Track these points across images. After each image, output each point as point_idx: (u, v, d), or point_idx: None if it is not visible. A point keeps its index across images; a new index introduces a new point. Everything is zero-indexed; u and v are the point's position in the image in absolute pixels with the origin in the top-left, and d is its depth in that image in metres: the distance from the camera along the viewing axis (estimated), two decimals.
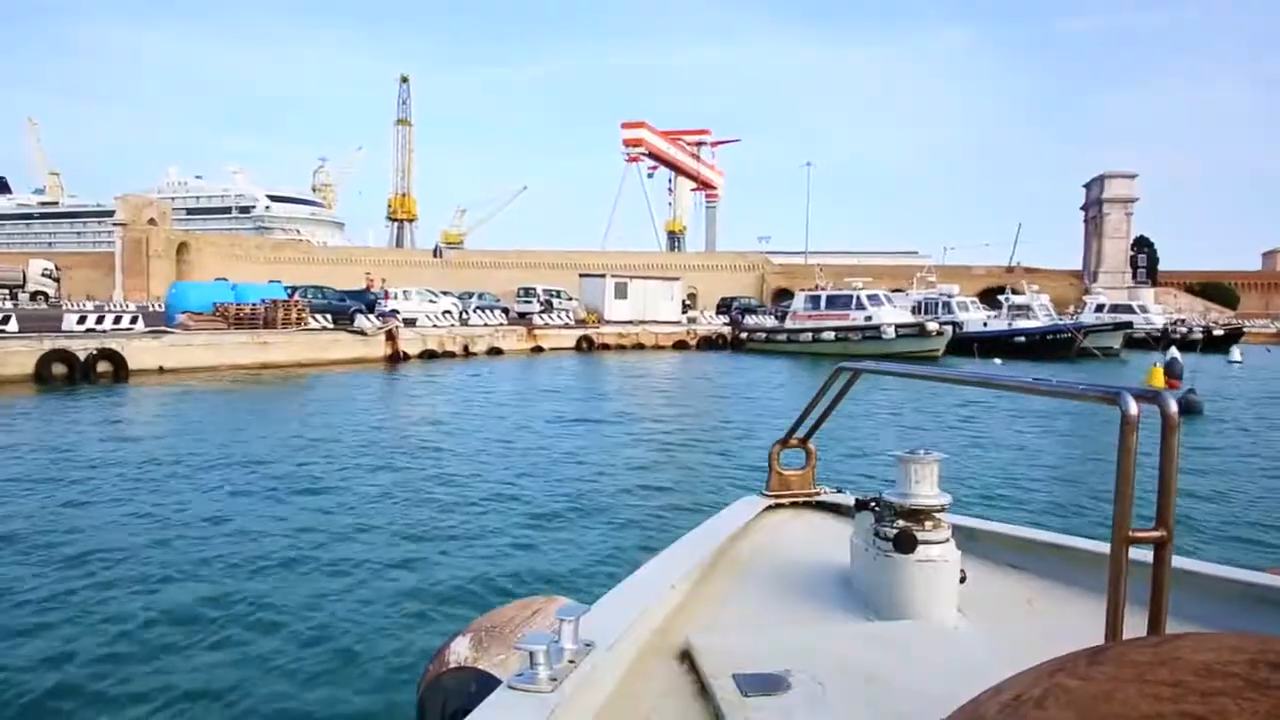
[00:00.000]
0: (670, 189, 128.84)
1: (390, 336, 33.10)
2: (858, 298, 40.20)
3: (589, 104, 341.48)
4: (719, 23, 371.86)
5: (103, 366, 24.73)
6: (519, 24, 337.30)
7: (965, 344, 38.49)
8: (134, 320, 28.06)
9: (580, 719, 1.46)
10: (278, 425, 16.76)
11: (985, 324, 43.17)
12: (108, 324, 27.25)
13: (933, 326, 37.93)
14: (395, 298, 40.32)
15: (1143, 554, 1.48)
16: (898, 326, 38.44)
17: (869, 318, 39.41)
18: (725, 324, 48.30)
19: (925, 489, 2.04)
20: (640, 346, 43.28)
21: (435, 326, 37.08)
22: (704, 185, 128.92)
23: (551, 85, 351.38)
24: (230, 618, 6.30)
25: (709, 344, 45.23)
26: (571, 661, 1.52)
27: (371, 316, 34.26)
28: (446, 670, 2.71)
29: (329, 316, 33.78)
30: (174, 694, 5.14)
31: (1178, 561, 1.68)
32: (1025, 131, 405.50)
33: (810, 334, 39.91)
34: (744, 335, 44.47)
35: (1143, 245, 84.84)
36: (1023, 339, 41.01)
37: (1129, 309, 52.33)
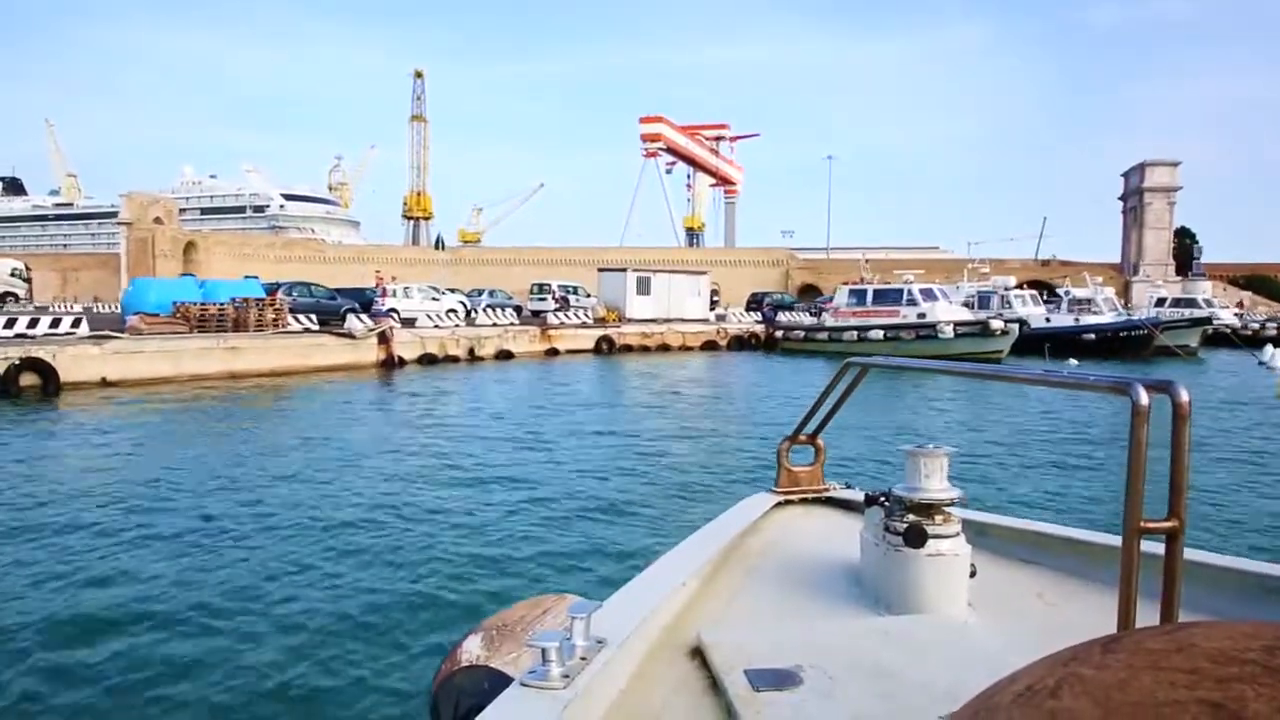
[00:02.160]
0: (689, 185, 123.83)
1: (383, 339, 28.22)
2: (909, 292, 34.96)
3: (607, 101, 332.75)
4: (738, 18, 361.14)
5: (28, 379, 20.04)
6: (535, 20, 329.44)
7: (1034, 343, 33.20)
8: (76, 323, 23.26)
9: (592, 715, 1.42)
10: (228, 447, 13.99)
11: (1048, 320, 37.84)
12: (42, 328, 22.45)
13: (997, 324, 32.63)
14: (394, 295, 35.37)
15: (1155, 547, 1.43)
16: (956, 325, 33.21)
17: (922, 315, 34.19)
18: (757, 322, 43.04)
19: (935, 483, 1.94)
20: (666, 348, 38.17)
21: (437, 328, 32.18)
22: (723, 181, 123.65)
23: (569, 82, 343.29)
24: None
25: (741, 344, 40.05)
26: (583, 659, 1.49)
27: (364, 317, 29.39)
28: (459, 669, 2.58)
29: (314, 317, 28.84)
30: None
31: (1190, 554, 1.62)
32: (1045, 125, 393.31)
33: (855, 332, 34.74)
34: (779, 334, 39.32)
35: (1184, 236, 79.17)
36: (1092, 336, 35.70)
37: (1193, 302, 46.85)
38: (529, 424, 16.64)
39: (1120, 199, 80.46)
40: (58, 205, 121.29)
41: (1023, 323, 33.78)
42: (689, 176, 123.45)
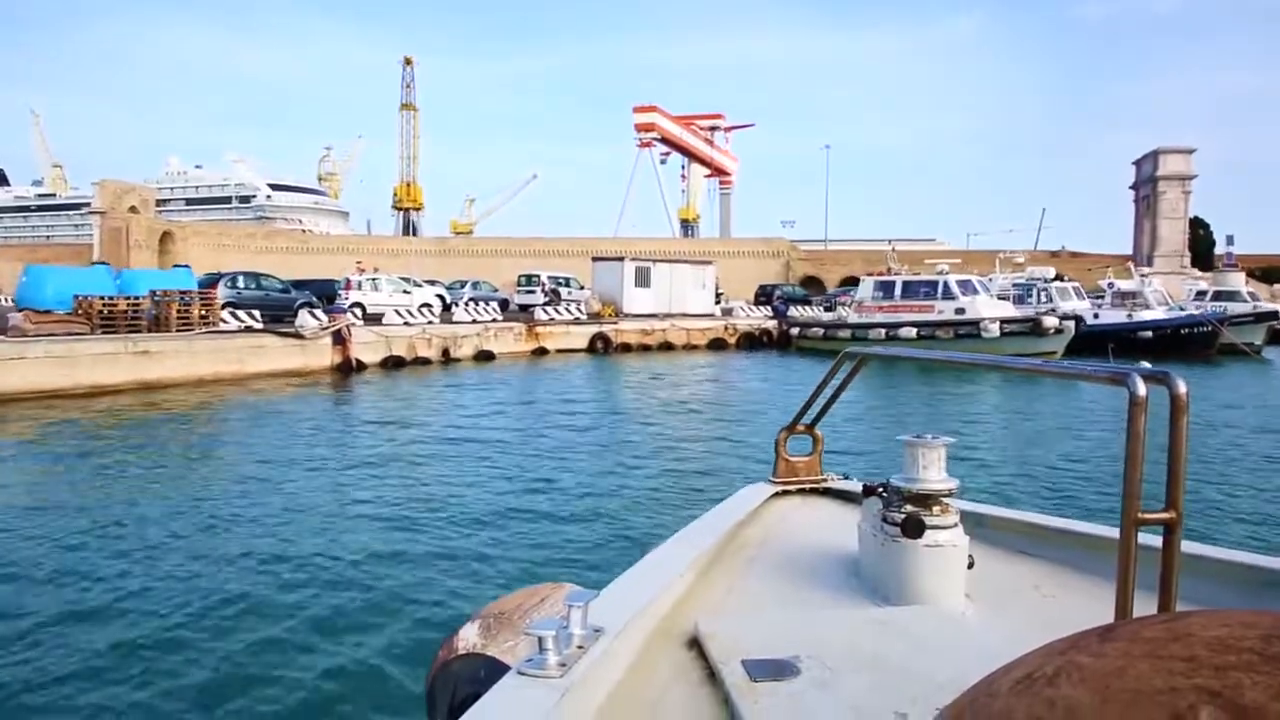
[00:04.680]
0: (684, 176, 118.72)
1: (339, 339, 23.15)
2: (945, 284, 29.97)
3: (601, 93, 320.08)
4: (736, 9, 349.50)
5: None
6: (530, 13, 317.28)
7: (1092, 342, 28.21)
8: None
9: (589, 704, 1.39)
10: (115, 477, 11.27)
11: (1095, 316, 32.88)
12: None
13: (1051, 321, 27.65)
14: (359, 288, 30.19)
15: (1152, 539, 1.41)
16: (1003, 322, 28.25)
17: (961, 310, 29.23)
18: (768, 317, 37.88)
19: (933, 473, 1.88)
20: (669, 346, 33.08)
21: (407, 325, 27.07)
22: (718, 171, 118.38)
23: (563, 75, 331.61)
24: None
25: (752, 342, 35.01)
26: (580, 647, 1.46)
27: (318, 313, 24.29)
28: (455, 657, 2.46)
29: (256, 314, 23.68)
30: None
31: (1188, 546, 1.60)
32: (1043, 116, 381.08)
33: (883, 330, 29.72)
34: (795, 331, 34.24)
35: (1197, 227, 74.48)
36: (1149, 334, 30.78)
37: (1235, 295, 41.93)
38: (504, 451, 11.95)
39: (1131, 188, 75.78)
40: (40, 196, 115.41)
41: (1079, 319, 28.80)
42: (684, 167, 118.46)
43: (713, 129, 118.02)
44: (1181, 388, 1.36)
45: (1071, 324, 28.02)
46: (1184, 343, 30.14)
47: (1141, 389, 1.35)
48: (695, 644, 1.66)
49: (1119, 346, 28.51)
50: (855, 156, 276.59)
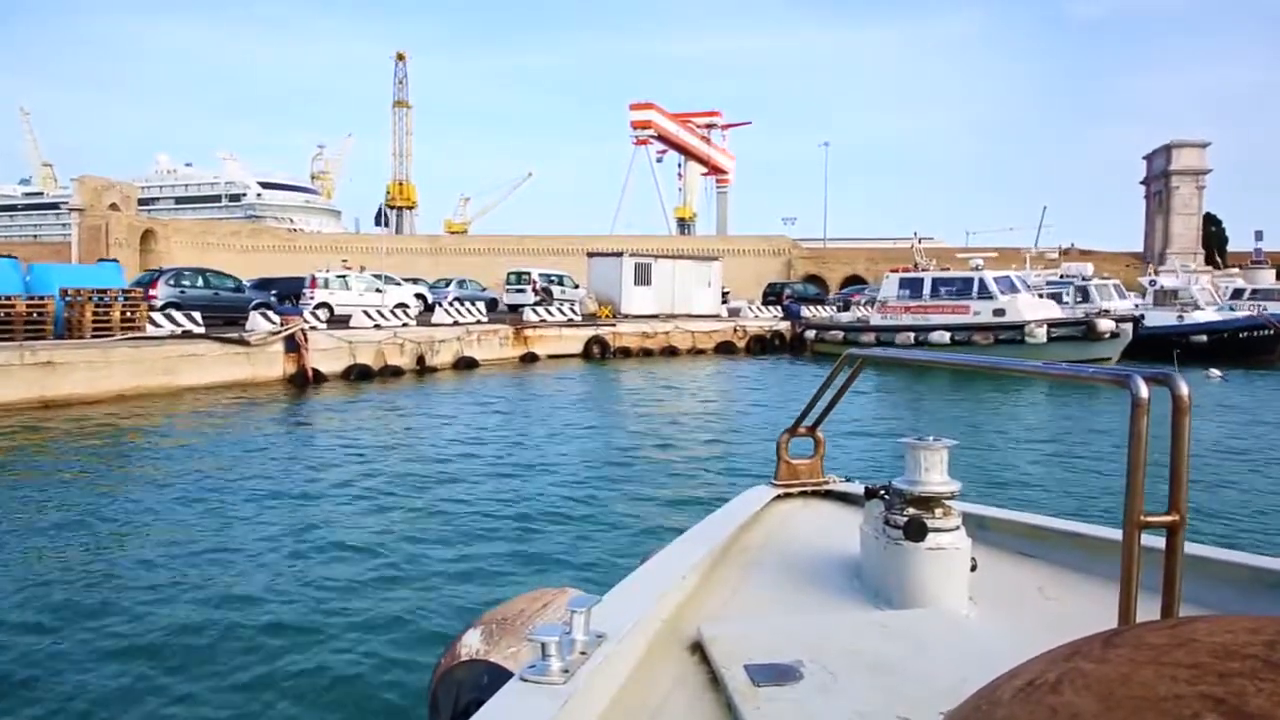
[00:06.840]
0: (680, 174, 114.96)
1: (292, 346, 19.43)
2: (980, 282, 26.33)
3: (597, 90, 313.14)
4: (731, 7, 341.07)
5: None
6: (525, 10, 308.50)
7: (1153, 347, 24.58)
8: None
9: (592, 710, 1.36)
10: None
11: (1142, 317, 29.24)
12: None
13: (1106, 324, 24.04)
14: (325, 286, 26.45)
15: (1155, 541, 1.38)
16: (1050, 324, 24.62)
17: (1000, 311, 25.58)
18: (779, 318, 34.10)
19: (935, 476, 1.83)
20: (672, 351, 29.38)
21: (378, 328, 23.32)
22: (714, 170, 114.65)
23: (559, 72, 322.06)
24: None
25: (763, 346, 31.31)
26: (583, 653, 1.42)
27: (271, 315, 20.54)
28: (458, 663, 2.37)
29: (196, 315, 19.89)
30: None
31: (1191, 548, 1.57)
32: (1039, 114, 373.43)
33: (912, 334, 26.11)
34: (810, 334, 30.52)
35: (1209, 223, 71.02)
36: (1203, 338, 27.18)
37: (1272, 293, 38.38)
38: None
39: (1142, 183, 72.28)
40: (27, 195, 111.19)
41: (1138, 321, 25.18)
42: (680, 165, 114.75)
43: (709, 127, 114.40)
44: (1183, 389, 1.32)
45: (1129, 327, 24.41)
46: (1244, 347, 26.58)
47: (1143, 391, 1.33)
48: (698, 649, 1.63)
49: (1189, 354, 24.85)
50: (853, 155, 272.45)
